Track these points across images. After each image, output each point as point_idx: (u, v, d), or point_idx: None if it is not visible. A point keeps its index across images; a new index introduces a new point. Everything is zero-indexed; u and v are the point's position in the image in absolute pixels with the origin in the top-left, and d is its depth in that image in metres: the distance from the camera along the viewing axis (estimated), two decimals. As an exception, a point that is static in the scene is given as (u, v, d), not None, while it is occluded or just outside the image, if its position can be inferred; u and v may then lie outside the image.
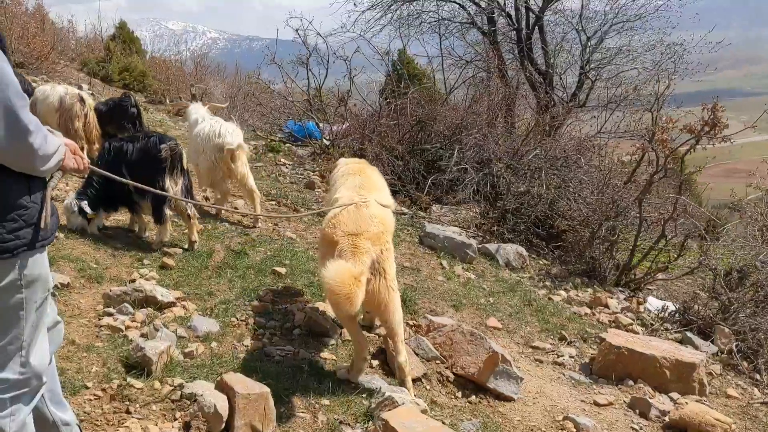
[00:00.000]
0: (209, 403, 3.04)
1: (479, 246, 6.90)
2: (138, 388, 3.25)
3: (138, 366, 3.40)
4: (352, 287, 3.29)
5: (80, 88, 9.06)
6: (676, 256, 6.89)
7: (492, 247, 6.97)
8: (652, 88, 10.45)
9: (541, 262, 7.34)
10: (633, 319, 6.07)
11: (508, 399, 4.18)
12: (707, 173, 7.90)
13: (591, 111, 11.50)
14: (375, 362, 4.09)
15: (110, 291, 4.15)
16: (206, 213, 6.13)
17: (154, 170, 4.93)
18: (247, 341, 4.06)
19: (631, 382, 4.74)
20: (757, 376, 5.37)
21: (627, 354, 4.77)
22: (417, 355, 4.25)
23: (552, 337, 5.39)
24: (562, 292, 6.47)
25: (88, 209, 5.01)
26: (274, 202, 7.17)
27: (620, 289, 6.98)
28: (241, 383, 3.18)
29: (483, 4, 13.34)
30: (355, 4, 13.40)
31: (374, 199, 3.99)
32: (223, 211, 6.11)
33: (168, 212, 5.15)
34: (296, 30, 10.48)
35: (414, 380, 3.97)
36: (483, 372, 4.14)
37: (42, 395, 2.35)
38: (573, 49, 12.90)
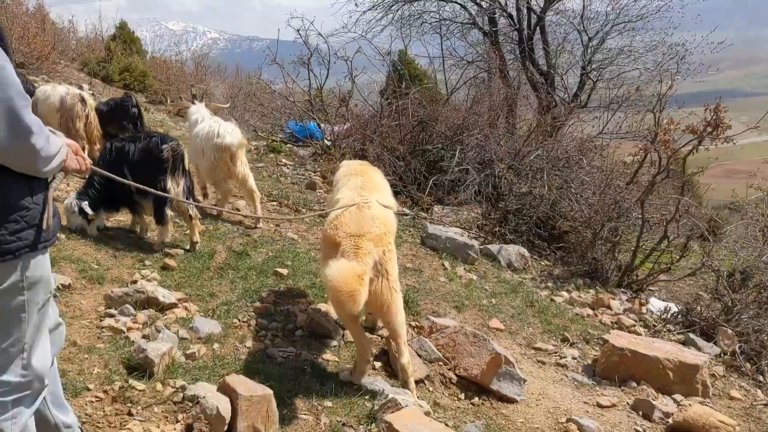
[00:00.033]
0: (212, 405, 3.02)
1: (481, 247, 6.89)
2: (140, 390, 3.23)
3: (140, 368, 3.38)
4: (355, 285, 3.28)
5: (81, 88, 9.03)
6: (678, 257, 6.87)
7: (494, 248, 6.96)
8: (653, 89, 10.46)
9: (543, 263, 7.33)
10: (635, 321, 6.05)
11: (511, 401, 4.16)
12: (707, 173, 7.87)
13: (592, 112, 11.48)
14: (378, 364, 4.07)
15: (112, 292, 4.14)
16: (207, 213, 6.12)
17: (155, 171, 4.92)
18: (249, 343, 4.04)
19: (634, 384, 4.72)
20: (761, 378, 5.36)
21: (630, 355, 4.76)
22: (420, 356, 4.23)
23: (554, 338, 5.37)
24: (565, 293, 6.45)
25: (88, 210, 4.99)
26: (275, 203, 7.15)
27: (622, 290, 6.96)
28: (244, 385, 3.16)
29: (484, 5, 13.33)
30: (356, 5, 13.41)
31: (376, 199, 3.98)
32: (224, 212, 6.11)
33: (169, 213, 5.14)
34: (297, 30, 10.48)
35: (417, 382, 3.95)
36: (486, 374, 4.13)
37: (44, 398, 2.33)
38: (574, 49, 12.89)
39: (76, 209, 4.99)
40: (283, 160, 9.30)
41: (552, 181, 7.84)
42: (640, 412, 4.35)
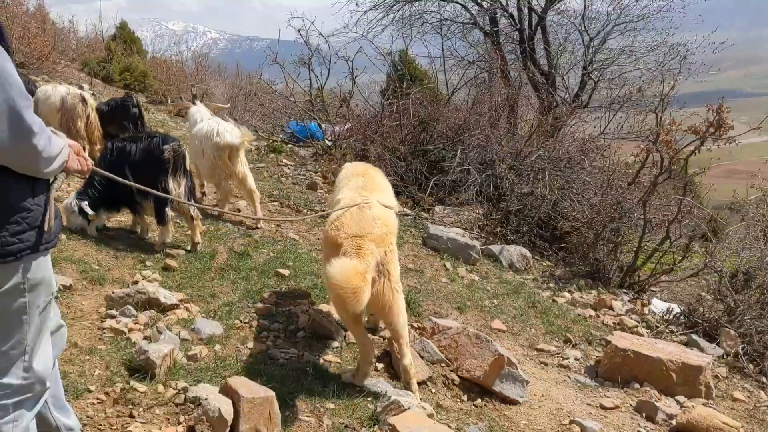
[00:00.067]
0: (214, 407, 3.00)
1: (482, 247, 6.87)
2: (141, 392, 3.22)
3: (141, 369, 3.37)
4: (358, 282, 3.27)
5: (81, 88, 9.02)
6: (681, 258, 6.85)
7: (495, 248, 6.94)
8: (655, 89, 10.44)
9: (544, 264, 7.31)
10: (638, 321, 6.03)
11: (513, 402, 4.14)
12: (707, 174, 7.86)
13: (594, 112, 11.45)
14: (380, 365, 4.05)
15: (113, 293, 4.12)
16: (208, 214, 6.10)
17: (157, 171, 4.90)
18: (251, 344, 4.02)
19: (637, 385, 4.71)
20: (764, 379, 5.34)
21: (633, 357, 4.74)
22: (422, 358, 4.21)
23: (557, 339, 5.35)
24: (567, 294, 6.44)
25: (88, 210, 4.97)
26: (276, 203, 7.13)
27: (624, 291, 6.95)
28: (246, 387, 3.14)
29: (485, 5, 13.30)
30: (357, 4, 13.38)
31: (377, 200, 3.96)
32: (225, 213, 6.10)
33: (170, 213, 5.12)
34: (298, 30, 10.46)
35: (419, 383, 3.93)
36: (489, 375, 4.11)
37: (45, 400, 2.32)
38: (576, 49, 12.85)
39: (76, 209, 4.97)
40: (284, 161, 9.28)
41: (553, 182, 7.82)
42: (644, 414, 4.33)
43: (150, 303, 4.12)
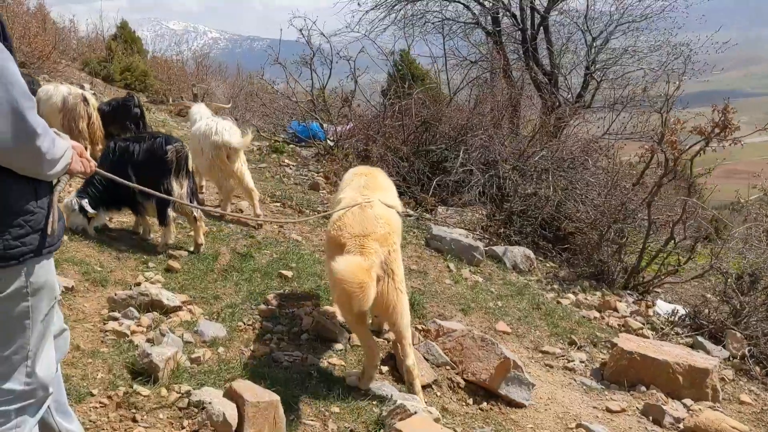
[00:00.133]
0: (218, 412, 2.96)
1: (486, 248, 6.83)
2: (144, 396, 3.17)
3: (144, 372, 3.32)
4: (364, 277, 3.24)
5: (82, 87, 8.99)
6: (686, 259, 6.81)
7: (499, 249, 6.90)
8: (658, 89, 10.40)
9: (548, 265, 7.27)
10: (643, 323, 5.99)
11: (519, 405, 4.10)
12: (702, 173, 7.81)
13: (596, 112, 11.41)
14: (384, 368, 4.01)
15: (115, 295, 4.08)
16: (208, 214, 6.06)
17: (159, 172, 4.87)
18: (255, 346, 3.98)
19: (643, 388, 4.66)
20: (771, 382, 5.30)
21: (639, 359, 4.70)
22: (427, 360, 4.17)
23: (562, 341, 5.31)
24: (571, 296, 6.40)
25: (89, 208, 4.93)
26: (278, 204, 7.10)
27: (628, 292, 6.90)
28: (250, 391, 3.10)
29: (488, 4, 13.26)
30: (359, 4, 13.34)
31: (378, 199, 3.92)
32: (227, 211, 6.11)
33: (172, 214, 5.09)
34: (300, 30, 10.42)
35: (424, 387, 3.90)
36: (494, 378, 4.07)
37: (48, 406, 2.27)
38: (578, 49, 12.82)
39: (77, 207, 4.94)
40: (286, 161, 9.24)
41: (557, 182, 7.79)
42: (651, 418, 4.29)
43: (153, 305, 4.09)
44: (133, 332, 3.78)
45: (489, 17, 13.40)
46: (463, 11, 13.60)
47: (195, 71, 18.27)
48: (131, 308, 3.98)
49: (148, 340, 3.70)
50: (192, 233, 5.29)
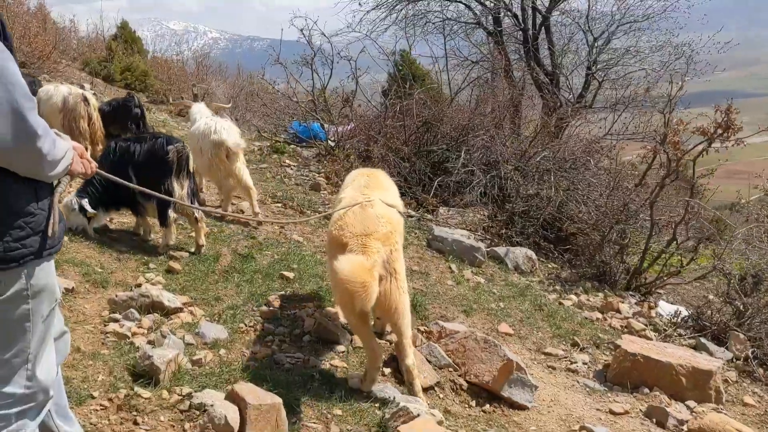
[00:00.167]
0: (220, 415, 2.94)
1: (487, 249, 6.81)
2: (145, 398, 3.15)
3: (145, 375, 3.30)
4: (367, 276, 3.22)
5: (83, 87, 8.96)
6: (689, 260, 6.78)
7: (501, 250, 6.88)
8: (660, 90, 10.37)
9: (550, 266, 7.24)
10: (645, 325, 5.97)
11: (522, 408, 4.08)
12: (705, 174, 7.79)
13: (598, 112, 11.39)
14: (387, 370, 3.98)
15: (116, 296, 4.06)
16: (209, 214, 6.04)
17: (160, 172, 4.85)
18: (256, 348, 3.96)
19: (646, 390, 4.64)
20: (774, 384, 5.27)
21: (642, 361, 4.67)
22: (429, 362, 4.14)
23: (564, 343, 5.28)
24: (573, 297, 6.37)
25: (88, 207, 4.92)
26: (280, 205, 7.07)
27: (631, 293, 6.88)
28: (252, 393, 3.08)
29: (489, 4, 13.24)
30: (360, 4, 13.32)
31: (379, 198, 3.90)
32: (228, 210, 6.12)
33: (172, 215, 5.06)
34: (301, 30, 10.39)
35: (427, 389, 3.88)
36: (497, 380, 4.04)
37: (48, 409, 2.25)
38: (579, 49, 12.80)
39: (76, 207, 4.92)
40: (287, 161, 9.22)
41: (559, 183, 7.76)
42: (654, 420, 4.27)
43: (154, 306, 4.07)
44: (134, 334, 3.76)
45: (490, 17, 13.37)
46: (464, 11, 13.60)
47: (195, 71, 18.24)
48: (132, 310, 3.96)
49: (149, 342, 3.69)
50: (193, 234, 5.27)
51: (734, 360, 5.50)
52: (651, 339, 5.57)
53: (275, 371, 3.72)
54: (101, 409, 3.04)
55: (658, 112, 7.34)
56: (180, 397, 3.20)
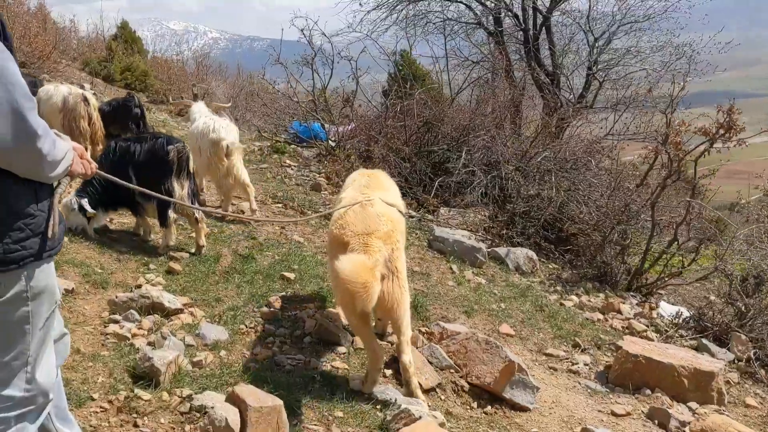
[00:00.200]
0: (220, 417, 2.92)
1: (488, 250, 6.79)
2: (146, 400, 3.13)
3: (145, 376, 3.29)
4: (369, 277, 3.21)
5: (83, 87, 8.94)
6: (690, 260, 6.77)
7: (501, 251, 6.86)
8: (661, 90, 10.35)
9: (550, 266, 7.23)
10: (647, 326, 5.96)
11: (523, 409, 4.06)
12: (707, 174, 7.77)
13: (599, 113, 11.37)
14: (388, 371, 3.96)
15: (116, 297, 4.04)
16: (209, 215, 6.03)
17: (160, 172, 4.84)
18: (257, 350, 3.94)
19: (648, 392, 4.62)
20: (776, 385, 5.26)
21: (644, 362, 4.66)
22: (431, 363, 4.12)
23: (565, 344, 5.27)
24: (574, 297, 6.36)
25: (88, 207, 4.90)
26: (280, 205, 7.06)
27: (632, 294, 6.86)
28: (253, 395, 3.06)
29: (490, 5, 13.21)
30: (360, 4, 13.28)
31: (379, 197, 3.89)
32: (228, 210, 6.13)
33: (172, 215, 5.05)
34: (301, 30, 10.38)
35: (428, 390, 3.86)
36: (499, 382, 4.03)
37: (48, 412, 2.24)
38: (580, 49, 12.78)
39: (76, 207, 4.91)
40: (288, 161, 9.20)
41: (560, 183, 7.74)
42: (656, 421, 4.25)
43: (154, 307, 4.05)
44: (134, 335, 3.75)
45: (491, 17, 13.34)
46: (464, 11, 13.56)
47: (195, 71, 18.23)
48: (132, 311, 3.94)
49: (149, 344, 3.67)
50: (193, 235, 5.25)
51: (736, 361, 5.48)
52: (652, 340, 5.55)
53: (276, 373, 3.70)
54: (101, 411, 3.03)
55: (660, 113, 7.32)
56: (180, 399, 3.18)
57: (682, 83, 7.04)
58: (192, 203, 5.10)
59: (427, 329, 4.66)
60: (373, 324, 4.21)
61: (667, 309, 6.49)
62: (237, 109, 14.84)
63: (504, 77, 11.70)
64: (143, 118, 7.62)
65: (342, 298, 3.46)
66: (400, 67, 13.45)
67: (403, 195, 7.31)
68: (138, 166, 4.83)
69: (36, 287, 2.01)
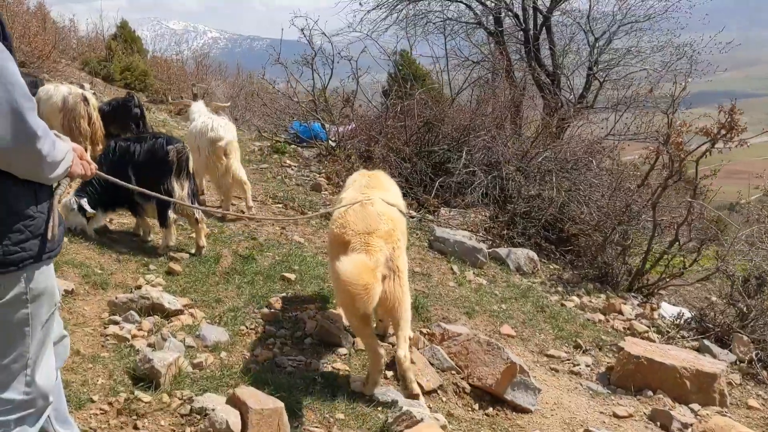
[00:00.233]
0: (221, 419, 2.90)
1: (489, 250, 6.77)
2: (146, 402, 3.11)
3: (146, 378, 3.27)
4: (370, 278, 3.19)
5: (82, 87, 8.91)
6: (692, 261, 6.75)
7: (502, 251, 6.85)
8: (661, 90, 10.34)
9: (551, 267, 7.21)
10: (648, 326, 5.94)
11: (525, 411, 4.05)
12: (706, 174, 7.76)
13: (599, 113, 11.35)
14: (389, 373, 3.94)
15: (116, 298, 4.02)
16: (209, 215, 6.01)
17: (160, 172, 4.82)
18: (258, 351, 3.92)
19: (650, 393, 4.61)
20: (778, 386, 5.24)
21: (646, 364, 4.64)
22: (432, 365, 4.10)
23: (567, 345, 5.25)
24: (575, 298, 6.34)
25: (87, 207, 4.88)
26: (280, 205, 7.04)
27: (633, 294, 6.85)
28: (254, 397, 3.05)
29: (490, 4, 13.19)
30: (360, 4, 13.26)
31: (379, 197, 3.87)
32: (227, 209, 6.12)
33: (172, 216, 5.03)
34: (301, 30, 10.36)
35: (430, 392, 3.85)
36: (500, 383, 4.01)
37: (47, 414, 2.22)
38: (581, 49, 12.77)
39: (75, 207, 4.89)
40: (288, 161, 9.18)
41: (560, 184, 7.73)
42: (658, 423, 4.24)
43: (154, 308, 4.03)
44: (134, 336, 3.72)
45: (491, 17, 13.32)
46: (465, 11, 13.54)
47: (195, 71, 18.19)
48: (132, 312, 3.92)
49: (149, 345, 3.65)
50: (193, 235, 5.23)
51: (738, 362, 5.47)
52: (654, 341, 5.54)
53: (277, 374, 3.68)
54: (101, 414, 3.01)
55: (661, 112, 7.30)
56: (181, 401, 3.16)
57: (683, 83, 7.01)
58: (192, 204, 5.08)
59: (428, 330, 4.64)
60: (374, 325, 4.20)
61: (668, 310, 6.48)
62: (237, 109, 14.82)
63: (504, 77, 11.68)
64: (143, 118, 7.61)
65: (343, 299, 3.45)
66: (400, 67, 13.42)
67: (404, 195, 7.28)
68: (138, 166, 4.81)
69: (35, 289, 2.00)
